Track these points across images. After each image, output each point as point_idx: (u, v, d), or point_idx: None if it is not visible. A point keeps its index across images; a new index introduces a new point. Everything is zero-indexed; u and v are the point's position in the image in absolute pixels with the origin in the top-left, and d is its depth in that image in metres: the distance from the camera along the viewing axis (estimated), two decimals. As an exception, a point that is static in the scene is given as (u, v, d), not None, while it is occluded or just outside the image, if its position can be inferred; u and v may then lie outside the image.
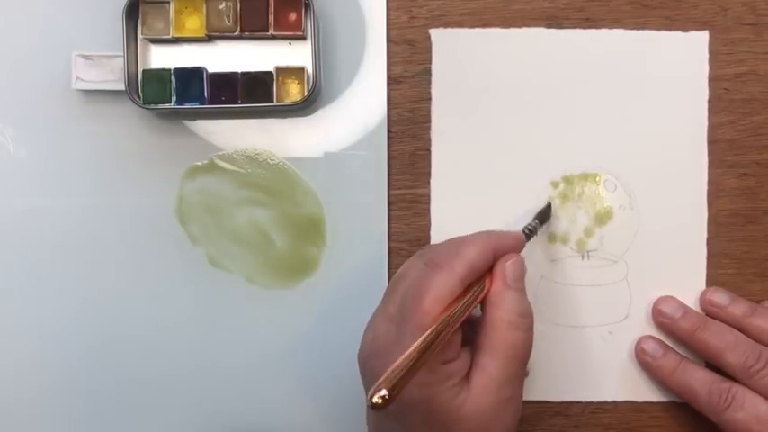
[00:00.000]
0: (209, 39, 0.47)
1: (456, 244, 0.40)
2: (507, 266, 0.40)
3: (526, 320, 0.40)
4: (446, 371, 0.38)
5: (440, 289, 0.38)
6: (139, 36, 0.46)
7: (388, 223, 0.47)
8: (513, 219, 0.47)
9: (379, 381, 0.33)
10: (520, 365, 0.39)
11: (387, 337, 0.38)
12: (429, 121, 0.48)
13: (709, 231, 0.47)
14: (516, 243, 0.42)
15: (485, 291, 0.40)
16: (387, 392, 0.32)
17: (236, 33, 0.46)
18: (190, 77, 0.46)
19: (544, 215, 0.46)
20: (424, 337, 0.36)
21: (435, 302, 0.37)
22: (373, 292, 0.47)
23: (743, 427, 0.42)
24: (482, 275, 0.40)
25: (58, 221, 0.47)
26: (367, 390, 0.40)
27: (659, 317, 0.47)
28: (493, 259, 0.40)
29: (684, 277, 0.47)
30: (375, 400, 0.32)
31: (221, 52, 0.47)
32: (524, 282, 0.41)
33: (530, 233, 0.44)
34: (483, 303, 0.40)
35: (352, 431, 0.47)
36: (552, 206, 0.47)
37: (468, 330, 0.40)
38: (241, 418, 0.48)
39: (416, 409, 0.38)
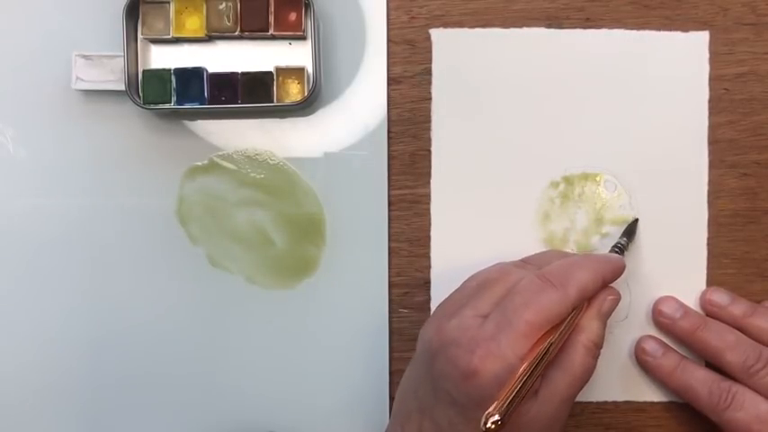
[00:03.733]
0: (209, 39, 0.47)
1: (569, 264, 0.41)
2: (608, 301, 0.42)
3: (598, 350, 0.41)
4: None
5: (552, 309, 0.39)
6: (139, 36, 0.46)
7: (388, 223, 0.47)
8: (513, 219, 0.47)
9: (492, 407, 0.35)
10: (580, 388, 0.40)
11: (478, 330, 0.38)
12: (429, 121, 0.48)
13: (709, 231, 0.47)
14: (620, 270, 0.43)
15: (581, 315, 0.41)
16: (499, 417, 0.34)
17: (236, 33, 0.46)
18: (190, 77, 0.46)
19: (631, 231, 0.46)
20: (529, 363, 0.37)
21: (544, 321, 0.38)
22: (373, 293, 0.47)
23: (743, 427, 0.42)
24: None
25: (57, 221, 0.47)
26: (434, 374, 0.40)
27: (659, 317, 0.47)
28: (601, 287, 0.42)
29: (684, 277, 0.47)
30: (489, 425, 0.34)
31: (221, 52, 0.47)
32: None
33: (620, 251, 0.45)
34: None
35: (352, 430, 0.47)
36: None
37: None
38: (241, 418, 0.48)
39: (489, 407, 0.38)
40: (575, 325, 0.40)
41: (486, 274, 0.42)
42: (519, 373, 0.37)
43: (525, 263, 0.43)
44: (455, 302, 0.41)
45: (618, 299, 0.42)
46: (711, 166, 0.47)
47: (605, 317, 0.42)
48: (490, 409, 0.34)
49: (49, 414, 0.48)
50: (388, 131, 0.48)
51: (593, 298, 0.42)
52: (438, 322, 0.41)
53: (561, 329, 0.39)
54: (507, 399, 0.35)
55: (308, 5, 0.46)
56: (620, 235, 0.46)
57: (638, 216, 0.47)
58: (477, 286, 0.42)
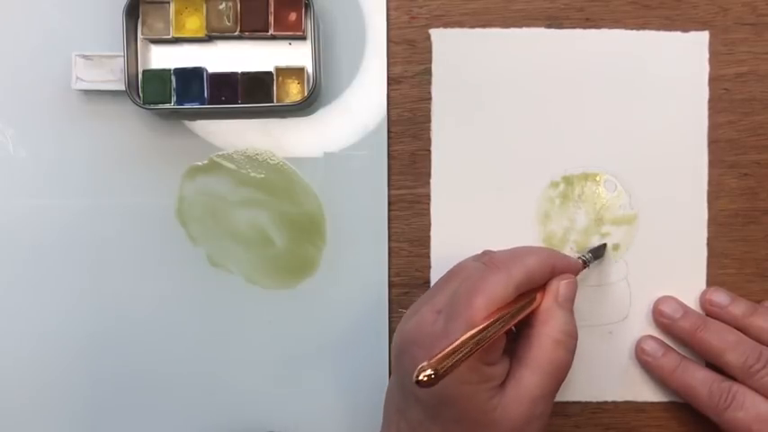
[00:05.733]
0: (209, 39, 0.47)
1: (517, 251, 0.41)
2: (562, 285, 0.41)
3: (571, 341, 0.40)
4: (486, 373, 0.38)
5: (495, 289, 0.38)
6: (139, 36, 0.46)
7: (388, 223, 0.47)
8: (513, 219, 0.47)
9: (429, 361, 0.34)
10: (555, 384, 0.40)
11: (433, 327, 0.39)
12: (429, 121, 0.48)
13: (709, 231, 0.47)
14: (574, 267, 0.43)
15: (535, 304, 0.40)
16: (433, 372, 0.34)
17: (236, 33, 0.46)
18: (190, 77, 0.46)
19: (598, 252, 0.46)
20: (476, 330, 0.36)
21: (488, 301, 0.38)
22: (373, 292, 0.47)
23: (743, 427, 0.42)
24: (535, 289, 0.41)
25: (58, 221, 0.47)
26: (400, 374, 0.41)
27: (659, 317, 0.47)
28: (550, 275, 0.41)
29: (684, 277, 0.47)
30: (421, 377, 0.34)
31: (221, 52, 0.47)
32: (573, 302, 0.42)
33: (583, 264, 0.44)
34: (528, 318, 0.41)
35: (351, 429, 0.47)
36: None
37: (507, 342, 0.40)
38: (241, 418, 0.48)
39: (451, 405, 0.38)
40: (528, 310, 0.40)
41: (446, 273, 0.42)
42: (462, 339, 0.36)
43: (485, 254, 0.43)
44: (418, 303, 0.42)
45: (573, 282, 0.41)
46: (711, 166, 0.47)
47: (567, 303, 0.41)
48: (424, 364, 0.34)
49: (49, 413, 0.48)
50: (388, 131, 0.48)
51: (548, 288, 0.41)
52: (402, 323, 0.41)
53: (515, 307, 0.39)
54: (442, 356, 0.35)
55: (307, 5, 0.46)
56: (589, 250, 0.46)
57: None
58: (437, 285, 0.42)
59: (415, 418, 0.40)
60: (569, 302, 0.41)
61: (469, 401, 0.38)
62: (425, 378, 0.34)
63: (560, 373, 0.40)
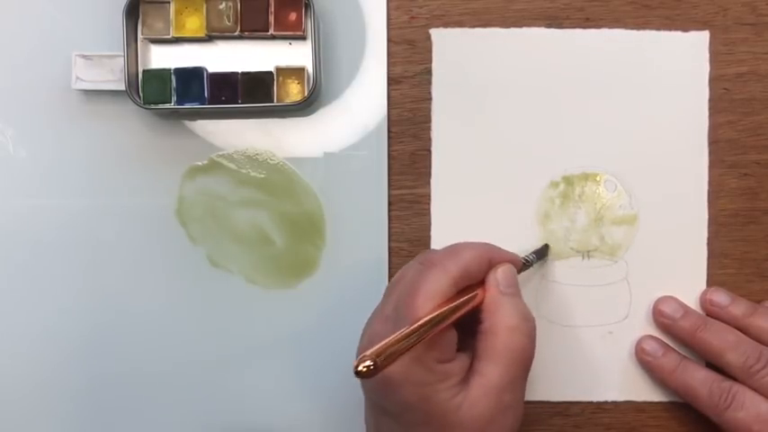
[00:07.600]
0: (209, 39, 0.47)
1: (454, 247, 0.41)
2: (498, 273, 0.41)
3: (527, 325, 0.40)
4: (443, 371, 0.38)
5: (432, 286, 0.38)
6: (139, 36, 0.46)
7: (388, 223, 0.47)
8: (513, 219, 0.47)
9: (367, 352, 0.34)
10: (521, 371, 0.39)
11: (383, 337, 0.38)
12: (429, 121, 0.48)
13: (709, 231, 0.47)
14: (513, 260, 0.42)
15: (477, 299, 0.40)
16: (372, 363, 0.33)
17: (236, 33, 0.46)
18: (190, 77, 0.46)
19: (541, 252, 0.46)
20: (418, 324, 0.36)
21: (427, 299, 0.38)
22: (373, 292, 0.47)
23: (743, 427, 0.42)
24: (476, 284, 0.40)
25: (57, 221, 0.47)
26: (365, 390, 0.41)
27: (659, 317, 0.47)
28: (487, 268, 0.41)
29: (685, 277, 0.47)
30: (361, 368, 0.33)
31: (221, 52, 0.47)
32: (518, 287, 0.41)
33: (525, 263, 0.44)
34: (478, 314, 0.40)
35: (351, 428, 0.47)
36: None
37: (467, 338, 0.40)
38: (241, 418, 0.48)
39: (415, 409, 0.38)
40: (470, 305, 0.39)
41: (392, 279, 0.42)
42: (403, 332, 0.36)
43: (423, 254, 0.42)
44: (370, 317, 0.41)
45: (509, 268, 0.41)
46: (711, 166, 0.47)
47: (510, 289, 0.40)
48: (365, 353, 0.34)
49: (48, 413, 0.48)
50: (388, 131, 0.48)
51: (487, 281, 0.41)
52: (359, 341, 0.41)
53: (457, 302, 0.38)
54: (381, 347, 0.35)
55: (307, 5, 0.46)
56: (533, 251, 0.46)
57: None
58: (385, 293, 0.42)
59: (387, 430, 0.40)
60: (512, 288, 0.41)
61: (431, 403, 0.38)
62: (364, 369, 0.33)
63: (522, 358, 0.39)
